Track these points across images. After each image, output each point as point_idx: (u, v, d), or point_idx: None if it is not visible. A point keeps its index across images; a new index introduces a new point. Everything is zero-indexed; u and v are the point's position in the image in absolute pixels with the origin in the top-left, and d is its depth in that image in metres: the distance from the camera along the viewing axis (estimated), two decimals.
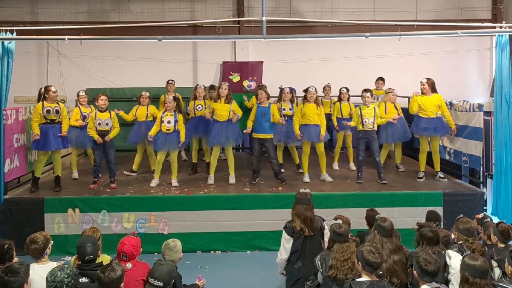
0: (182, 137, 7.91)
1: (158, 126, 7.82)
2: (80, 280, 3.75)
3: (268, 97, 8.23)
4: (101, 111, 7.80)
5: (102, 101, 7.80)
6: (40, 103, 7.61)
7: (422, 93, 8.13)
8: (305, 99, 8.08)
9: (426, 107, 8.03)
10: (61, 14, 11.92)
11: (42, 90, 7.74)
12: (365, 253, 3.63)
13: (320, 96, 8.77)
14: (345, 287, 3.71)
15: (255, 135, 8.14)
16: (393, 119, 8.42)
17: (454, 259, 4.09)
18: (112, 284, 3.48)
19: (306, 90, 8.11)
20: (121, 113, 8.64)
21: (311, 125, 7.98)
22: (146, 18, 11.90)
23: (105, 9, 12.12)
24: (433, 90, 8.11)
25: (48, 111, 7.55)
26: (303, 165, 8.33)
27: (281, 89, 8.54)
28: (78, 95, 8.53)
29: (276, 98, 8.60)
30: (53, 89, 7.69)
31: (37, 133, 7.49)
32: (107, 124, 7.78)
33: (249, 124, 8.14)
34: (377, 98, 9.32)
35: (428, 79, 8.16)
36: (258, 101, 8.18)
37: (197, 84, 9.30)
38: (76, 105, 8.66)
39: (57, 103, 7.74)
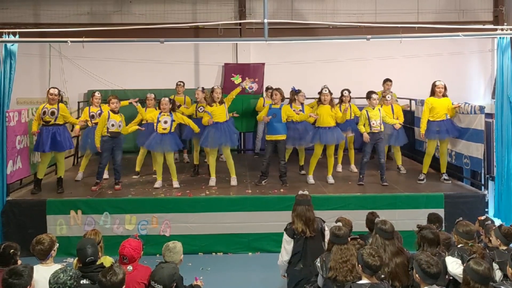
0: (195, 127, 8.03)
1: (155, 121, 7.87)
2: (81, 282, 3.76)
3: (283, 99, 8.23)
4: (114, 113, 7.84)
5: (114, 104, 7.84)
6: (43, 104, 7.73)
7: (435, 95, 8.08)
8: (319, 101, 8.10)
9: (437, 109, 8.01)
10: (63, 16, 11.95)
11: (47, 90, 7.88)
12: (365, 256, 3.64)
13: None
14: None
15: (268, 137, 8.13)
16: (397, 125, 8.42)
17: (450, 266, 4.10)
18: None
19: (320, 92, 8.13)
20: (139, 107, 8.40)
21: (325, 127, 7.99)
22: (148, 20, 11.93)
23: (107, 10, 12.14)
24: (445, 93, 8.13)
25: (44, 113, 7.61)
26: (310, 166, 8.30)
27: (296, 91, 8.59)
28: (93, 95, 8.78)
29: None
30: (51, 91, 7.72)
31: (34, 129, 7.61)
32: (119, 126, 7.83)
33: (260, 117, 8.20)
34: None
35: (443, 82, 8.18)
36: (272, 102, 8.16)
37: (198, 87, 9.42)
38: (78, 106, 8.76)
39: (57, 105, 7.70)
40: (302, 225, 4.80)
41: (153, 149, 7.98)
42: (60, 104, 7.79)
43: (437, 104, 8.05)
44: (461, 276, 3.91)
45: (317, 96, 8.37)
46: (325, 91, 8.05)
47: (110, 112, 7.81)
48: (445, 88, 8.11)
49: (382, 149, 8.04)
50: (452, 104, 8.14)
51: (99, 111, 8.46)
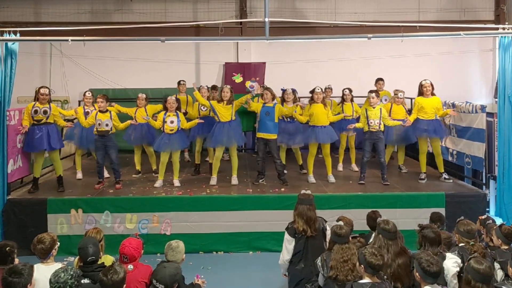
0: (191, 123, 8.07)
1: (161, 122, 7.81)
2: (82, 281, 3.75)
3: (274, 97, 8.24)
4: (101, 112, 7.83)
5: (98, 103, 7.82)
6: (32, 102, 7.67)
7: (424, 94, 8.08)
8: (311, 100, 8.10)
9: (426, 109, 8.01)
10: (64, 15, 11.95)
11: (36, 89, 7.82)
12: (367, 255, 3.63)
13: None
14: None
15: (259, 135, 8.16)
16: (403, 124, 8.37)
17: (448, 261, 4.09)
18: (115, 287, 3.49)
19: (312, 91, 8.13)
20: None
21: (319, 126, 7.99)
22: (148, 19, 11.92)
23: (108, 9, 12.14)
24: (433, 92, 8.12)
25: (35, 111, 7.57)
26: (308, 166, 8.30)
27: (284, 90, 8.57)
28: (84, 95, 8.67)
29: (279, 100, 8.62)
30: (42, 90, 7.67)
31: (24, 124, 7.54)
32: (107, 125, 7.78)
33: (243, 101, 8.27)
34: (381, 99, 9.30)
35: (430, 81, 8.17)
36: (263, 101, 8.18)
37: (200, 85, 9.38)
38: (80, 105, 8.71)
39: (48, 104, 7.69)
40: (303, 224, 4.79)
41: (162, 150, 7.90)
42: (52, 104, 7.77)
43: (426, 103, 8.04)
44: (453, 273, 3.98)
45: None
46: (318, 89, 8.05)
47: (98, 112, 7.81)
48: (433, 87, 8.09)
49: (381, 148, 8.02)
50: (443, 106, 8.11)
51: (94, 109, 8.35)
